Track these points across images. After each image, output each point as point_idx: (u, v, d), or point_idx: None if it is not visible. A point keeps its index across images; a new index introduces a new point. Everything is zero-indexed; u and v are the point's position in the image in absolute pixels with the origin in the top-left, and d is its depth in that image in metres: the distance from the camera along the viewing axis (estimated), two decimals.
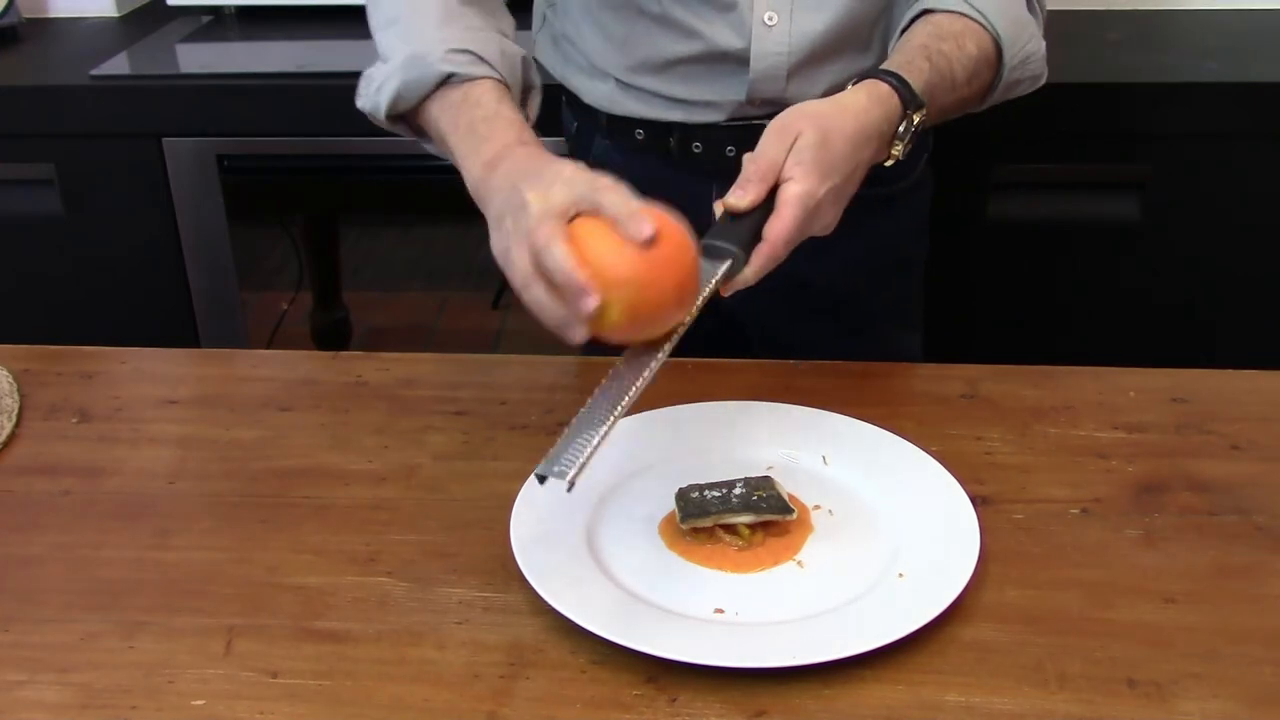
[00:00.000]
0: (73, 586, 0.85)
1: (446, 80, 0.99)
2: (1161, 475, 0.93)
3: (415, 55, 1.00)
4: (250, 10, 2.06)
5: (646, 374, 0.82)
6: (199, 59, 1.94)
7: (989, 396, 1.04)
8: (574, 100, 1.25)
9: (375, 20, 1.07)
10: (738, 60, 1.12)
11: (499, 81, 0.99)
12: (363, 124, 1.75)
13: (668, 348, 0.84)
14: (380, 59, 1.05)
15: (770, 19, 1.10)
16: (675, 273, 0.82)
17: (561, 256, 0.80)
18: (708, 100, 1.15)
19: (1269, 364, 1.06)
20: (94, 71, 1.81)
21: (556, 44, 1.24)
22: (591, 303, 0.79)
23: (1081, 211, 1.74)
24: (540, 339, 1.41)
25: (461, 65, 0.98)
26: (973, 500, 0.88)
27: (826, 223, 0.93)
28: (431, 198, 1.86)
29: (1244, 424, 0.99)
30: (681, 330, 0.85)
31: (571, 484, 0.75)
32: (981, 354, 1.11)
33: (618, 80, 1.18)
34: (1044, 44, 1.12)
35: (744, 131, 1.16)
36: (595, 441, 0.76)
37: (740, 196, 0.90)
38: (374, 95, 1.04)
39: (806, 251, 1.20)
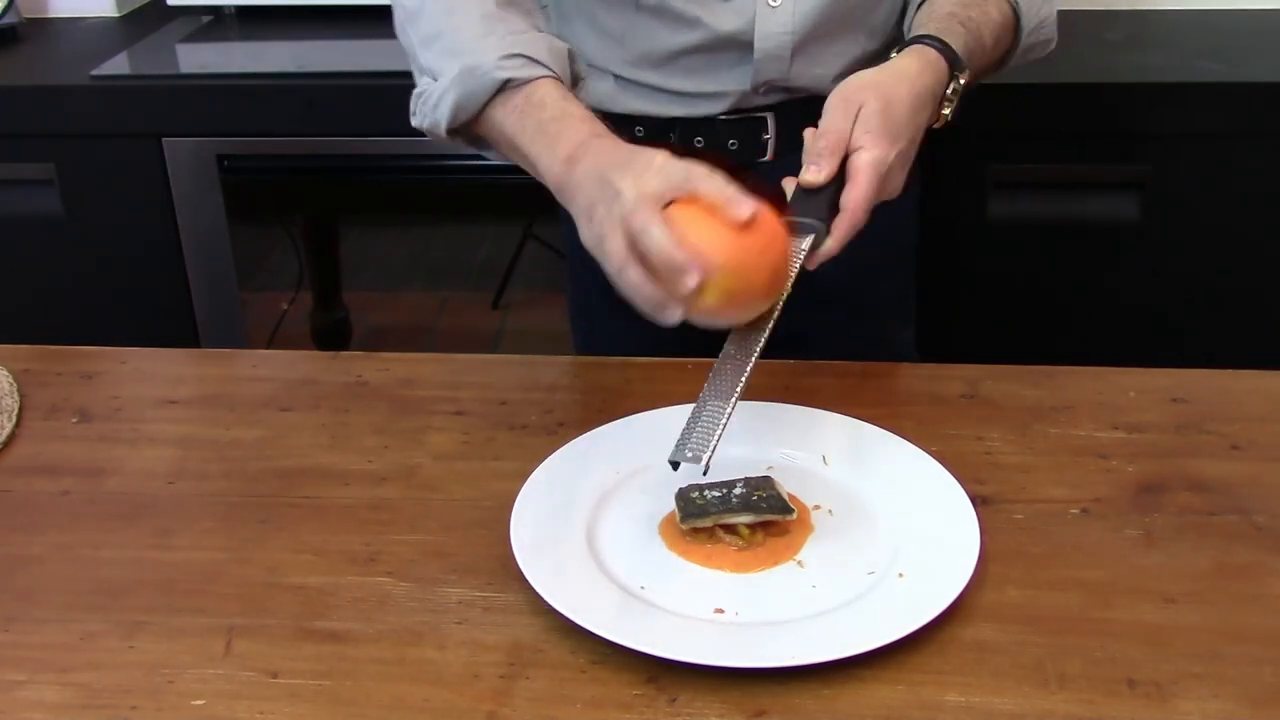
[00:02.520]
0: (73, 586, 0.85)
1: (503, 86, 0.99)
2: (1161, 475, 0.93)
3: (469, 67, 0.99)
4: (250, 10, 2.06)
5: (756, 352, 0.86)
6: (199, 59, 1.94)
7: (989, 396, 1.04)
8: None
9: (414, 38, 1.06)
10: (740, 45, 1.12)
11: (555, 79, 0.99)
12: (363, 124, 1.76)
13: (769, 327, 0.87)
14: (423, 74, 1.04)
15: (774, 0, 1.10)
16: (771, 258, 0.85)
17: (661, 236, 0.81)
18: (710, 91, 1.14)
19: (1269, 364, 1.06)
20: (94, 71, 1.82)
21: None
22: (693, 279, 0.81)
23: (1081, 211, 1.74)
24: (540, 339, 1.42)
25: (516, 69, 0.98)
26: (973, 500, 0.88)
27: (896, 186, 0.95)
28: (431, 198, 1.87)
29: (1244, 424, 0.99)
30: (777, 310, 0.87)
31: (707, 467, 0.81)
32: (981, 353, 1.11)
33: (616, 76, 1.17)
34: (1055, 8, 1.14)
35: (745, 124, 1.16)
36: (723, 422, 0.81)
37: (815, 172, 0.92)
38: (431, 112, 1.03)
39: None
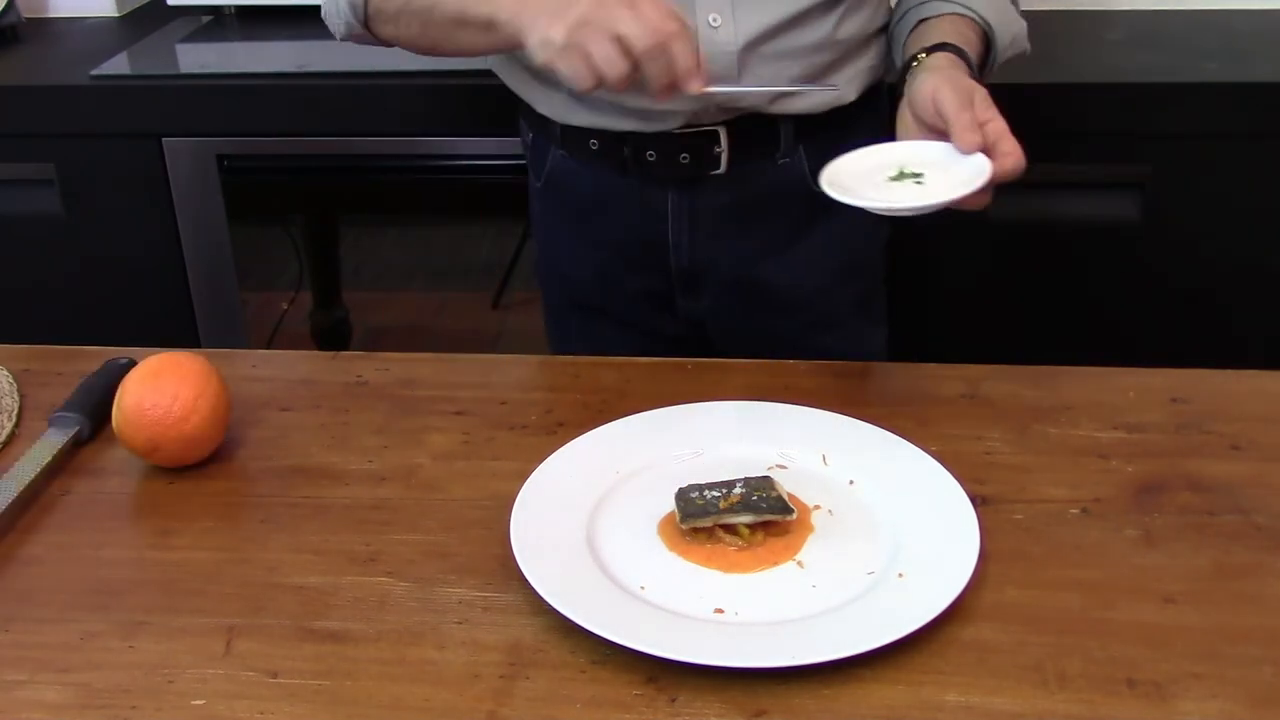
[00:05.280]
0: (73, 586, 0.85)
1: None
2: (1161, 475, 0.93)
3: None
4: (250, 10, 2.06)
5: None
6: (199, 59, 1.94)
7: (989, 396, 1.04)
8: (528, 111, 1.24)
9: None
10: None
11: None
12: (363, 124, 1.76)
13: None
14: None
15: (714, 20, 1.10)
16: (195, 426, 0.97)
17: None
18: (663, 109, 1.14)
19: (1269, 364, 1.06)
20: (94, 71, 1.82)
21: (507, 59, 1.23)
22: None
23: (1081, 211, 1.74)
24: (540, 339, 1.42)
25: None
26: (973, 500, 0.88)
27: None
28: (431, 198, 1.87)
29: (1244, 424, 0.99)
30: None
31: None
32: (981, 354, 1.11)
33: (570, 91, 1.17)
34: (1024, 23, 1.20)
35: (698, 138, 1.16)
36: None
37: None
38: (345, 9, 1.15)
39: (766, 256, 1.22)
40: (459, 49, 1.12)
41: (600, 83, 0.96)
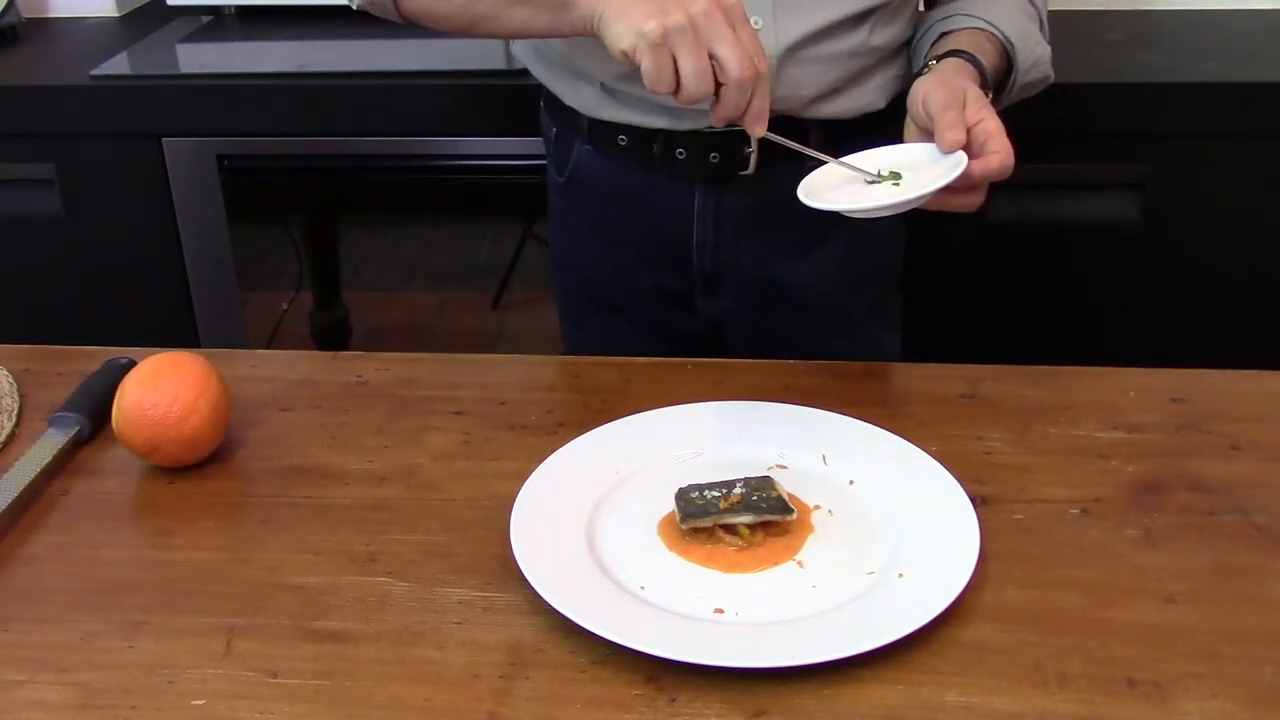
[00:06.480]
0: (73, 586, 0.85)
1: None
2: (1161, 475, 0.93)
3: None
4: (250, 10, 2.06)
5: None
6: (199, 59, 1.94)
7: (989, 396, 1.04)
8: (554, 103, 1.24)
9: None
10: None
11: None
12: (363, 124, 1.76)
13: None
14: None
15: (755, 24, 1.10)
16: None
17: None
18: (697, 107, 1.14)
19: (1269, 363, 1.06)
20: (94, 71, 1.82)
21: (537, 49, 1.23)
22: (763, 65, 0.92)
23: (1081, 211, 1.74)
24: (540, 339, 1.42)
25: None
26: (973, 500, 0.88)
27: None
28: (431, 198, 1.87)
29: (1244, 424, 0.99)
30: None
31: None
32: (981, 354, 1.11)
33: (603, 85, 1.17)
34: (1049, 48, 1.18)
35: (728, 137, 1.16)
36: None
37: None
38: None
39: (788, 259, 1.22)
40: (505, 29, 1.08)
41: (674, 92, 0.91)
